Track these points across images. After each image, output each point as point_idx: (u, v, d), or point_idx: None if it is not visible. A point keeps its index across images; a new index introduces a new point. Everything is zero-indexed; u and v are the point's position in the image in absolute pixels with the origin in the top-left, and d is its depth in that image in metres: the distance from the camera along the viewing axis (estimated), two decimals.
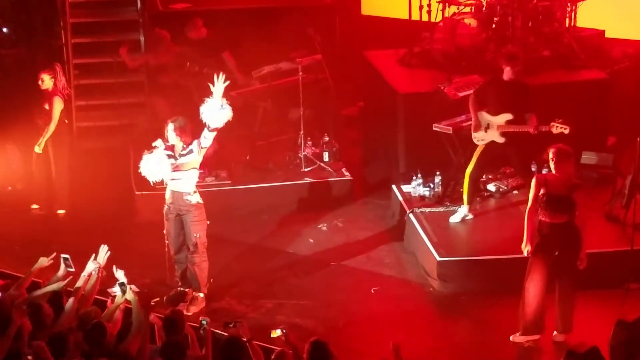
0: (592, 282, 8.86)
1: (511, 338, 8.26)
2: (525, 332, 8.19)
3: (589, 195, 10.27)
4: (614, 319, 5.88)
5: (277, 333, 6.81)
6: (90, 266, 7.75)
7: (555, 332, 8.20)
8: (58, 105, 10.65)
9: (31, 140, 10.95)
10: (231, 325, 6.90)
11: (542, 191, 7.95)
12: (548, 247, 7.99)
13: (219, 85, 8.65)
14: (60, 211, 11.08)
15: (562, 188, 7.89)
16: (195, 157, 8.78)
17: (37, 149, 10.70)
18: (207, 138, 8.72)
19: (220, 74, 8.68)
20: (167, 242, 9.08)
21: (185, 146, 8.75)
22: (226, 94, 11.75)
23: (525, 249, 8.06)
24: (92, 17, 12.86)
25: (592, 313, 8.47)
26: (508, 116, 9.38)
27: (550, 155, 7.90)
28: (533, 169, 10.15)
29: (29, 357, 6.49)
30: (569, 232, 7.93)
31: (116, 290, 7.58)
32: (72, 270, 7.85)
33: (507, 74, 9.37)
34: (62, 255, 7.89)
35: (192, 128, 8.84)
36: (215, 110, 8.64)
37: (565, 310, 8.12)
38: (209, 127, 8.67)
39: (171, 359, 6.51)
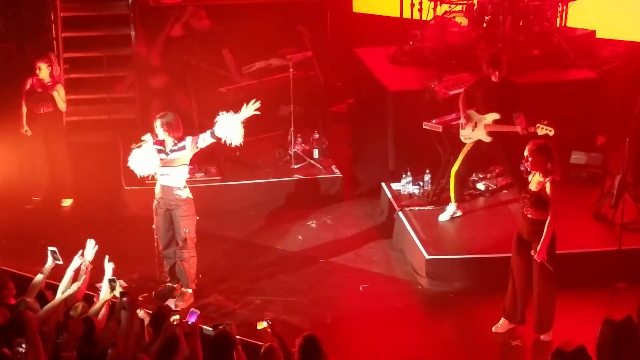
0: (580, 281, 8.92)
1: (493, 328, 8.36)
2: (503, 314, 8.32)
3: (577, 195, 10.35)
4: (601, 318, 5.90)
5: (263, 325, 6.81)
6: (77, 261, 7.72)
7: (541, 336, 8.20)
8: (63, 91, 10.85)
9: (19, 130, 10.97)
10: (220, 328, 6.88)
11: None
12: (524, 240, 8.05)
13: (250, 108, 8.65)
14: (66, 201, 11.06)
15: (536, 184, 7.94)
16: (187, 154, 8.76)
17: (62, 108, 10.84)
18: (205, 141, 8.71)
19: (256, 101, 8.69)
20: (156, 237, 9.07)
21: (176, 142, 8.73)
22: (216, 91, 11.83)
23: None
24: (83, 11, 12.83)
25: (580, 312, 8.50)
26: (495, 116, 9.39)
27: (525, 154, 7.94)
28: (522, 169, 10.17)
29: (23, 345, 6.47)
30: (540, 229, 7.95)
31: (104, 284, 7.56)
32: (60, 262, 7.83)
33: (495, 77, 9.37)
34: (50, 248, 7.87)
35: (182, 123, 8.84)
36: (233, 126, 8.63)
37: (541, 309, 8.14)
38: (213, 132, 8.65)
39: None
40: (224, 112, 8.70)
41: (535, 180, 7.97)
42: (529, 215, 7.97)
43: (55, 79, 10.82)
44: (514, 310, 8.28)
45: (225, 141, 8.73)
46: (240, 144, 8.79)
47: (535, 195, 7.90)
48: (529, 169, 7.97)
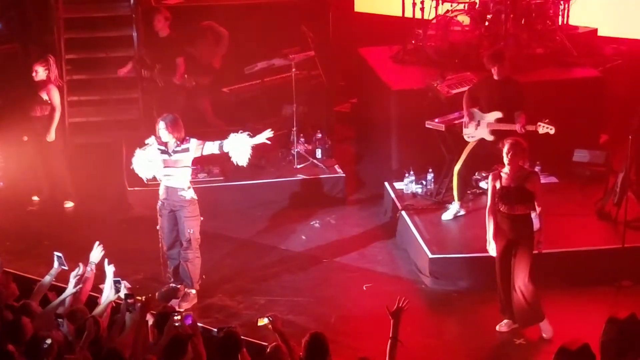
0: (584, 279, 8.92)
1: (497, 327, 8.35)
2: (505, 316, 8.33)
3: (581, 193, 10.35)
4: (605, 316, 5.90)
5: (263, 321, 6.80)
6: (81, 269, 7.73)
7: (543, 333, 8.19)
8: (56, 93, 10.78)
9: (21, 134, 10.96)
10: (226, 329, 6.87)
11: (497, 185, 8.05)
12: (507, 239, 8.04)
13: (263, 136, 8.78)
14: (68, 204, 11.06)
15: (515, 179, 7.98)
16: (190, 156, 8.77)
17: (49, 138, 10.73)
18: (211, 150, 8.79)
19: (271, 130, 8.90)
20: (160, 237, 9.07)
21: (179, 143, 8.73)
22: (219, 90, 11.83)
23: (490, 247, 8.13)
24: (85, 12, 12.83)
25: (584, 310, 8.50)
26: (498, 114, 9.40)
27: (506, 148, 7.96)
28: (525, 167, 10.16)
29: (48, 341, 6.48)
30: (524, 225, 8.00)
31: (106, 286, 7.56)
32: (66, 268, 7.82)
33: (495, 73, 9.38)
34: (56, 253, 7.86)
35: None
36: (243, 148, 8.72)
37: (532, 302, 8.09)
38: (222, 145, 8.73)
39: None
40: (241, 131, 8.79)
41: (504, 177, 7.99)
42: (512, 212, 7.98)
43: (51, 82, 10.74)
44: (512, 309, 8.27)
45: (230, 158, 8.81)
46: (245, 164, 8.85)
47: (519, 190, 7.93)
48: (507, 163, 7.97)
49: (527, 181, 7.96)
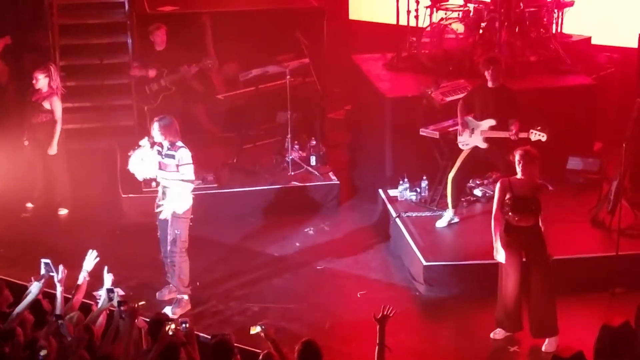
0: (578, 287, 8.93)
1: (491, 335, 8.34)
2: (500, 326, 8.30)
3: (575, 200, 10.36)
4: (599, 323, 5.91)
5: (256, 329, 6.80)
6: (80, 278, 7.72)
7: (545, 346, 8.17)
8: (59, 104, 10.73)
9: (18, 139, 10.94)
10: (219, 336, 6.86)
11: (508, 195, 8.00)
12: (515, 249, 8.03)
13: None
14: (62, 211, 11.03)
15: (528, 190, 7.96)
16: (175, 163, 8.75)
17: (51, 151, 10.71)
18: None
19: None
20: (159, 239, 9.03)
21: (169, 147, 8.73)
22: (213, 97, 11.81)
23: (499, 256, 8.08)
24: (79, 19, 12.84)
25: (578, 317, 8.50)
26: (491, 122, 9.41)
27: (517, 158, 7.96)
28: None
29: (42, 352, 6.46)
30: (536, 235, 8.00)
31: (102, 293, 7.54)
32: (53, 274, 7.76)
33: (489, 78, 9.39)
34: (43, 260, 7.79)
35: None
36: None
37: (546, 313, 8.11)
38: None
39: None
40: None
41: (517, 187, 7.95)
42: (525, 224, 7.96)
43: (53, 91, 10.70)
44: (514, 319, 8.25)
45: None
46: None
47: (532, 201, 7.91)
48: (520, 173, 7.97)
49: (539, 192, 7.95)
